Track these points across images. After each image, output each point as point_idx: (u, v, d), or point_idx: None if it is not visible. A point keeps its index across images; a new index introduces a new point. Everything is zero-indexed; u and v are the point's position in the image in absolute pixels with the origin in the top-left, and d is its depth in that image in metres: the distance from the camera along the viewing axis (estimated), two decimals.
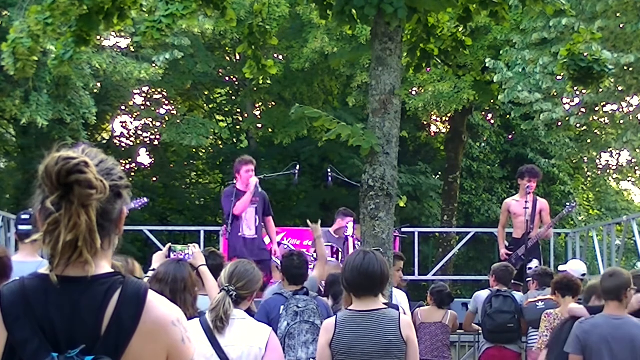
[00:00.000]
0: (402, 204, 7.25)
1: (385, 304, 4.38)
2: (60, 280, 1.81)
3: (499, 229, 9.92)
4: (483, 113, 21.62)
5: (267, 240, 9.48)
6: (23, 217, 5.44)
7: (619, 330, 4.98)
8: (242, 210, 8.89)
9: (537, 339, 6.90)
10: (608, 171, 24.64)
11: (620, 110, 15.33)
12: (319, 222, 7.19)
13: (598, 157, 21.79)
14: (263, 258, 8.65)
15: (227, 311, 3.78)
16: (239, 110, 22.95)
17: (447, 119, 21.02)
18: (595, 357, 4.96)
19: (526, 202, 9.30)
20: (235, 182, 9.11)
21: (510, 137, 22.69)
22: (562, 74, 9.05)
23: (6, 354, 1.79)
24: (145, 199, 10.93)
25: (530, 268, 8.87)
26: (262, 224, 9.18)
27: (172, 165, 23.03)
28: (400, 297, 6.80)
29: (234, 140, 23.05)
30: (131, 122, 22.57)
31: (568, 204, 10.27)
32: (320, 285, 6.70)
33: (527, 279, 8.72)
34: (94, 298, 1.82)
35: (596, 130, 16.91)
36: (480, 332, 8.10)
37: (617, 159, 23.00)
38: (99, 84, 16.50)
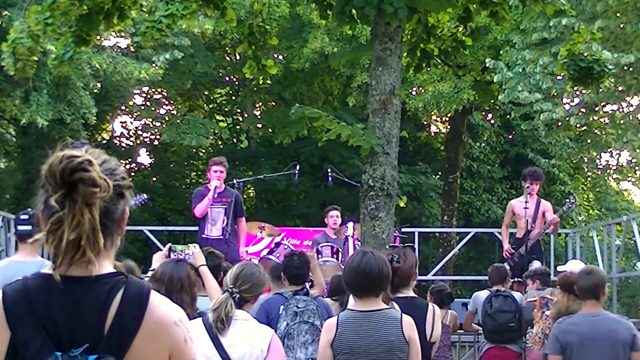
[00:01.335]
0: (402, 204, 7.27)
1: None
2: (63, 279, 1.82)
3: (502, 228, 10.11)
4: (483, 113, 21.61)
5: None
6: (22, 217, 5.39)
7: (597, 327, 4.99)
8: (202, 212, 8.91)
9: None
10: (608, 171, 24.62)
11: (620, 110, 15.32)
12: (314, 253, 7.17)
13: (598, 157, 21.79)
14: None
15: (228, 313, 3.77)
16: (239, 110, 22.94)
17: (447, 119, 21.01)
18: (576, 356, 4.96)
19: (526, 202, 9.41)
20: (208, 182, 9.19)
21: (510, 137, 22.68)
22: (562, 74, 9.06)
23: (9, 354, 1.79)
24: (145, 195, 10.94)
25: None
26: (235, 224, 9.05)
27: (172, 165, 23.01)
28: None
29: (234, 140, 23.04)
30: (131, 122, 22.56)
31: (568, 200, 10.30)
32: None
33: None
34: (96, 298, 1.82)
35: (596, 130, 16.90)
36: (480, 332, 8.10)
37: (617, 159, 23.00)
38: (99, 84, 16.49)
